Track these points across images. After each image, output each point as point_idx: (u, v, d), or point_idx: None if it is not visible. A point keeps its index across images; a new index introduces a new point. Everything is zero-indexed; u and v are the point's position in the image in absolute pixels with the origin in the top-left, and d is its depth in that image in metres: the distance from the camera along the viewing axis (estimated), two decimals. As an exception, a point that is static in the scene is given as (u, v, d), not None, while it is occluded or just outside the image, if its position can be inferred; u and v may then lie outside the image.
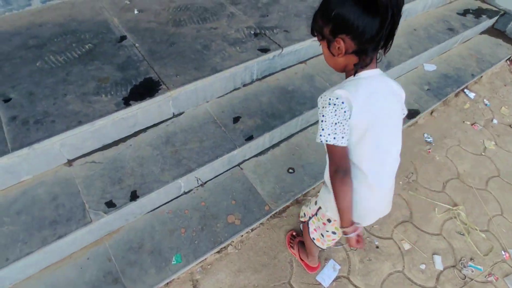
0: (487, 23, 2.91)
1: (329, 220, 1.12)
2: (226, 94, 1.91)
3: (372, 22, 0.77)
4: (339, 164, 0.89)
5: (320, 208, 1.14)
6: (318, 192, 1.19)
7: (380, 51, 0.86)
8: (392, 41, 0.83)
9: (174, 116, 1.77)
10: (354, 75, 0.89)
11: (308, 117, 1.93)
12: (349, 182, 0.90)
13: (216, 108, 1.83)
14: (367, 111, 0.87)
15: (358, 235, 0.97)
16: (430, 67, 2.56)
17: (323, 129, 0.86)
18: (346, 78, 0.94)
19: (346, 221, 0.94)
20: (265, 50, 1.90)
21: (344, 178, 0.89)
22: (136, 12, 2.13)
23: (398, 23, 0.79)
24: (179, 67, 1.76)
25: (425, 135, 2.25)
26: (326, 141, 0.86)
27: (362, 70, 0.88)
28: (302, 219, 1.37)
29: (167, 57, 1.81)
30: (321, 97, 0.89)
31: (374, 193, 0.98)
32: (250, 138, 1.71)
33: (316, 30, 0.90)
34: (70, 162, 1.55)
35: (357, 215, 0.96)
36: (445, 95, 2.39)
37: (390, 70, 2.23)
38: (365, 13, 0.77)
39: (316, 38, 0.93)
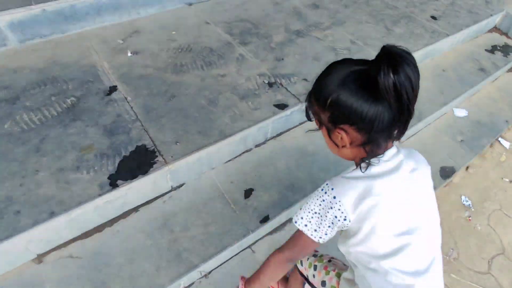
0: (515, 60, 2.66)
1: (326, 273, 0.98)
2: (236, 157, 1.60)
3: (383, 109, 0.61)
4: (297, 257, 0.83)
5: (333, 273, 0.97)
6: None
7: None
8: (408, 125, 0.67)
9: (173, 189, 1.45)
10: (362, 168, 0.70)
11: (332, 184, 1.63)
12: (289, 268, 0.85)
13: (223, 177, 1.51)
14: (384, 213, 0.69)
15: None
16: (461, 113, 2.28)
17: (306, 215, 0.74)
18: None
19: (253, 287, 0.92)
20: (282, 106, 1.60)
21: (289, 264, 0.83)
22: (129, 54, 1.83)
23: (413, 107, 0.63)
24: (179, 130, 1.45)
25: (463, 197, 1.95)
26: (299, 225, 0.75)
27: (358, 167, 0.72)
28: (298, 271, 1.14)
29: (165, 116, 1.50)
30: (323, 185, 0.72)
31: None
32: (265, 220, 1.40)
33: (312, 114, 0.75)
34: (40, 258, 1.22)
35: None
36: (481, 147, 2.10)
37: (420, 122, 1.95)
38: (371, 99, 0.61)
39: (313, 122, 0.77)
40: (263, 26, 2.16)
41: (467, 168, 2.12)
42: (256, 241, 1.51)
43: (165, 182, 1.39)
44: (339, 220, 0.69)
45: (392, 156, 0.71)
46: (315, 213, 0.72)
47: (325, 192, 0.70)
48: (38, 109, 1.49)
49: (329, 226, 0.71)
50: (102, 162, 1.30)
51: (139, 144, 1.38)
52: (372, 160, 0.70)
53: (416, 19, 2.44)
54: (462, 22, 2.49)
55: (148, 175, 1.28)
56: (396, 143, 0.74)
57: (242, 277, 1.03)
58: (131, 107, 1.53)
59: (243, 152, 1.62)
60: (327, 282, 0.96)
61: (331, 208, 0.69)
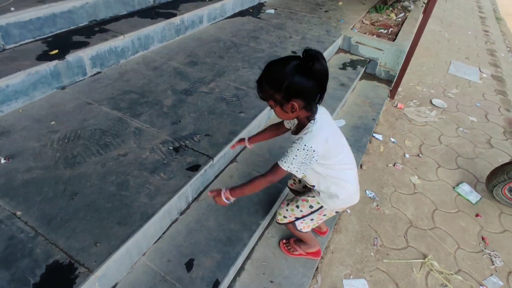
0: (361, 70, 3.33)
1: (325, 215, 1.41)
2: (164, 233, 1.51)
3: (313, 85, 1.02)
4: (277, 179, 1.17)
5: (320, 209, 1.37)
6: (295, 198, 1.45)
7: None
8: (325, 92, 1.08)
9: (105, 295, 1.27)
10: (310, 121, 1.11)
11: (264, 224, 1.70)
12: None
13: (158, 259, 1.41)
14: (332, 140, 1.13)
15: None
16: (340, 123, 2.71)
17: (291, 163, 1.09)
18: (298, 124, 1.18)
19: (237, 196, 1.25)
20: (195, 167, 1.62)
21: (265, 186, 1.20)
22: (3, 161, 1.58)
23: (327, 81, 1.04)
24: (95, 228, 1.30)
25: (367, 192, 2.29)
26: (289, 170, 1.11)
27: (311, 114, 1.11)
28: (282, 222, 1.50)
29: (73, 218, 1.33)
30: (301, 141, 1.08)
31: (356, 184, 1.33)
32: (216, 285, 1.35)
33: (266, 97, 1.10)
34: None
35: (349, 198, 1.34)
36: (364, 146, 2.52)
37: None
38: (308, 79, 1.00)
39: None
40: (149, 93, 2.17)
41: (361, 166, 2.50)
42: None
43: (93, 292, 1.21)
44: (315, 160, 1.10)
45: (322, 112, 1.14)
46: (300, 162, 1.08)
47: (307, 150, 1.06)
48: None
49: (306, 166, 1.10)
50: (5, 303, 1.06)
51: (50, 262, 1.18)
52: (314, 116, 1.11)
53: (281, 56, 2.84)
54: (315, 52, 3.01)
55: (72, 294, 1.10)
56: None
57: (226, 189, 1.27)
58: (25, 223, 1.30)
59: (170, 225, 1.55)
60: (312, 205, 1.37)
61: (313, 157, 1.08)
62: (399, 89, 3.53)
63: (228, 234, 1.55)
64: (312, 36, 3.33)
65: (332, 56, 3.42)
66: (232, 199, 1.24)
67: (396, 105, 3.37)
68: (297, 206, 1.41)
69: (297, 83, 1.01)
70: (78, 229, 1.30)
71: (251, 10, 3.85)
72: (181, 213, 1.61)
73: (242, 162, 1.98)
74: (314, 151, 1.07)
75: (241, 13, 3.73)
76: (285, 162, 1.10)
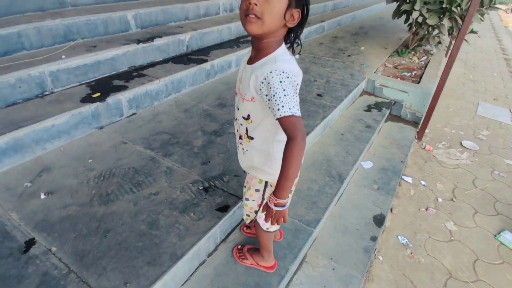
0: (386, 112, 3.34)
1: (257, 190, 1.27)
2: (192, 275, 1.49)
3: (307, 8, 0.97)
4: (305, 132, 0.92)
5: (266, 185, 1.24)
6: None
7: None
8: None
9: None
10: (275, 49, 0.98)
11: (292, 268, 1.63)
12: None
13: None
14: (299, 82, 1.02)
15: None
16: (367, 165, 2.67)
17: (289, 103, 0.89)
18: (261, 51, 0.99)
19: (290, 189, 0.97)
20: (224, 208, 1.62)
21: (305, 144, 0.92)
22: (43, 196, 1.66)
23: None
24: (126, 267, 1.30)
25: (399, 237, 2.18)
26: (295, 114, 0.89)
27: (283, 45, 1.01)
28: (248, 221, 1.41)
29: (105, 256, 1.35)
30: (273, 73, 0.91)
31: None
32: (243, 335, 1.28)
33: None
34: None
35: None
36: (393, 189, 2.45)
37: (344, 183, 2.20)
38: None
39: None
40: (180, 133, 2.25)
41: (391, 210, 2.41)
42: None
43: (120, 337, 1.18)
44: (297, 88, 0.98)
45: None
46: (293, 95, 0.91)
47: (290, 76, 0.92)
48: None
49: (297, 98, 0.95)
50: None
51: (80, 301, 1.18)
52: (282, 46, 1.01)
53: (307, 99, 2.92)
54: (340, 94, 3.07)
55: (100, 338, 1.07)
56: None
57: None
58: (59, 259, 1.33)
59: (198, 266, 1.52)
60: (257, 187, 1.27)
61: (295, 82, 0.95)
62: (427, 130, 3.47)
63: (257, 279, 1.50)
64: (336, 80, 3.42)
65: (356, 99, 3.47)
66: (285, 200, 1.00)
67: (424, 147, 3.30)
68: (247, 199, 1.34)
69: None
70: (109, 268, 1.30)
71: (276, 56, 4.04)
72: (209, 255, 1.58)
73: (269, 203, 1.96)
74: (294, 75, 0.94)
75: (267, 58, 3.93)
76: (287, 108, 0.89)
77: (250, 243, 1.65)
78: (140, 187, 1.74)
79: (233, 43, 3.67)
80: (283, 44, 1.01)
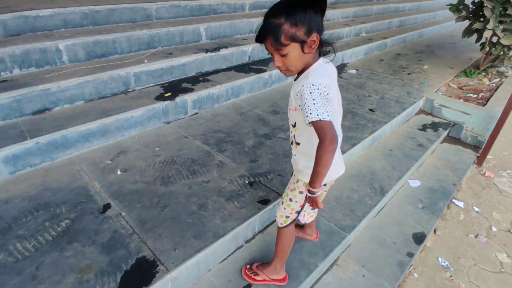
0: (443, 133, 3.21)
1: (301, 192, 1.33)
2: (229, 256, 1.68)
3: (320, 18, 1.03)
4: (333, 134, 1.02)
5: (298, 182, 1.33)
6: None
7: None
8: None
9: (173, 298, 1.46)
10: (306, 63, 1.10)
11: (322, 267, 1.73)
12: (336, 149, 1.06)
13: (221, 277, 1.57)
14: (334, 90, 1.13)
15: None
16: (414, 183, 2.62)
17: (317, 110, 1.00)
18: (299, 73, 1.13)
19: (320, 183, 1.13)
20: (265, 201, 1.80)
21: (335, 145, 1.03)
22: (119, 172, 2.01)
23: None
24: (176, 237, 1.55)
25: (440, 259, 2.12)
26: (323, 118, 1.00)
27: (317, 59, 1.11)
28: (285, 223, 1.43)
29: (161, 226, 1.61)
30: (304, 86, 1.03)
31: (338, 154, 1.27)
32: (269, 313, 1.43)
33: (285, 39, 1.01)
34: None
35: (331, 169, 1.13)
36: (440, 210, 2.38)
37: (384, 197, 2.22)
38: (317, 12, 1.02)
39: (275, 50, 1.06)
40: (234, 134, 2.50)
41: (435, 231, 2.34)
42: None
43: (166, 292, 1.42)
44: (329, 97, 1.05)
45: (323, 61, 1.14)
46: (322, 104, 1.01)
47: (318, 88, 1.02)
48: (32, 236, 1.54)
49: (328, 105, 1.03)
50: (103, 280, 1.34)
51: (139, 256, 1.45)
52: (317, 61, 1.11)
53: (358, 113, 2.98)
54: (393, 111, 3.07)
55: (152, 286, 1.32)
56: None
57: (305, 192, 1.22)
58: (127, 222, 1.63)
59: (235, 250, 1.72)
60: (301, 189, 1.32)
61: (325, 93, 1.03)
62: (489, 156, 3.25)
63: (287, 269, 1.63)
64: (391, 96, 3.41)
65: (412, 117, 3.40)
66: (316, 189, 1.14)
67: (484, 173, 3.09)
68: (291, 199, 1.36)
69: (313, 13, 1.00)
70: (163, 235, 1.56)
71: (333, 70, 4.15)
72: (247, 241, 1.77)
73: (308, 205, 2.09)
74: (324, 87, 1.02)
75: (324, 72, 4.05)
76: (315, 114, 1.00)
77: (257, 261, 1.65)
78: (195, 175, 2.01)
79: (292, 56, 3.87)
80: (319, 59, 1.11)
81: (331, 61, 1.19)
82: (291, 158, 1.38)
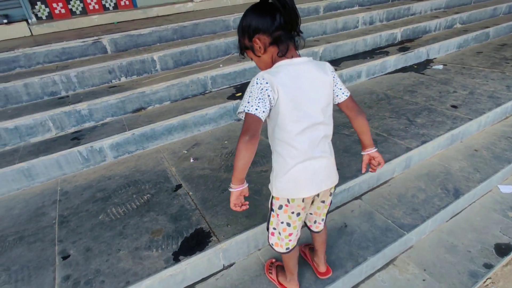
0: (557, 134, 2.65)
1: (280, 207, 1.24)
2: (278, 239, 1.78)
3: (266, 19, 1.04)
4: (250, 128, 1.01)
5: (272, 197, 1.26)
6: None
7: (297, 38, 1.12)
8: (298, 26, 1.09)
9: (224, 268, 1.64)
10: (274, 63, 1.10)
11: (373, 262, 1.68)
12: (254, 144, 1.02)
13: (268, 257, 1.68)
14: (289, 92, 1.04)
15: (240, 196, 1.15)
16: (506, 189, 2.25)
17: (248, 102, 1.03)
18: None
19: (237, 178, 1.10)
20: (316, 190, 1.84)
21: (251, 139, 1.00)
22: (192, 160, 2.32)
23: (294, 12, 1.05)
24: (230, 215, 1.74)
25: (531, 277, 1.79)
26: (248, 110, 1.01)
27: (283, 59, 1.09)
28: (271, 241, 1.39)
29: (219, 205, 1.82)
30: (254, 78, 1.05)
31: (306, 166, 1.14)
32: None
33: (242, 48, 1.15)
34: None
35: (293, 186, 1.16)
36: (539, 222, 1.99)
37: (458, 199, 1.99)
38: (259, 16, 1.05)
39: (246, 56, 1.17)
40: (297, 129, 2.59)
41: (529, 245, 1.97)
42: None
43: (217, 261, 1.60)
44: (270, 97, 1.03)
45: (303, 60, 1.11)
46: (256, 97, 1.02)
47: (259, 83, 1.03)
48: (123, 204, 1.92)
49: (264, 103, 1.02)
50: (168, 242, 1.60)
51: (198, 227, 1.68)
52: (283, 60, 1.09)
53: (437, 110, 2.72)
54: (484, 107, 2.69)
55: (204, 252, 1.52)
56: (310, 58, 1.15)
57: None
58: (192, 200, 1.89)
59: (285, 234, 1.80)
60: (271, 201, 1.28)
61: (265, 89, 1.02)
62: None
63: (333, 258, 1.64)
64: (483, 91, 2.99)
65: (511, 115, 2.91)
66: (234, 185, 1.12)
67: None
68: (269, 217, 1.32)
69: (250, 21, 1.06)
70: (219, 212, 1.76)
71: (415, 67, 3.84)
72: (297, 228, 1.83)
73: (367, 201, 2.03)
74: (267, 83, 1.02)
75: (404, 69, 3.79)
76: (243, 105, 1.04)
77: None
78: (255, 165, 2.17)
79: (367, 55, 3.75)
80: (285, 59, 1.09)
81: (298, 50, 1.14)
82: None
